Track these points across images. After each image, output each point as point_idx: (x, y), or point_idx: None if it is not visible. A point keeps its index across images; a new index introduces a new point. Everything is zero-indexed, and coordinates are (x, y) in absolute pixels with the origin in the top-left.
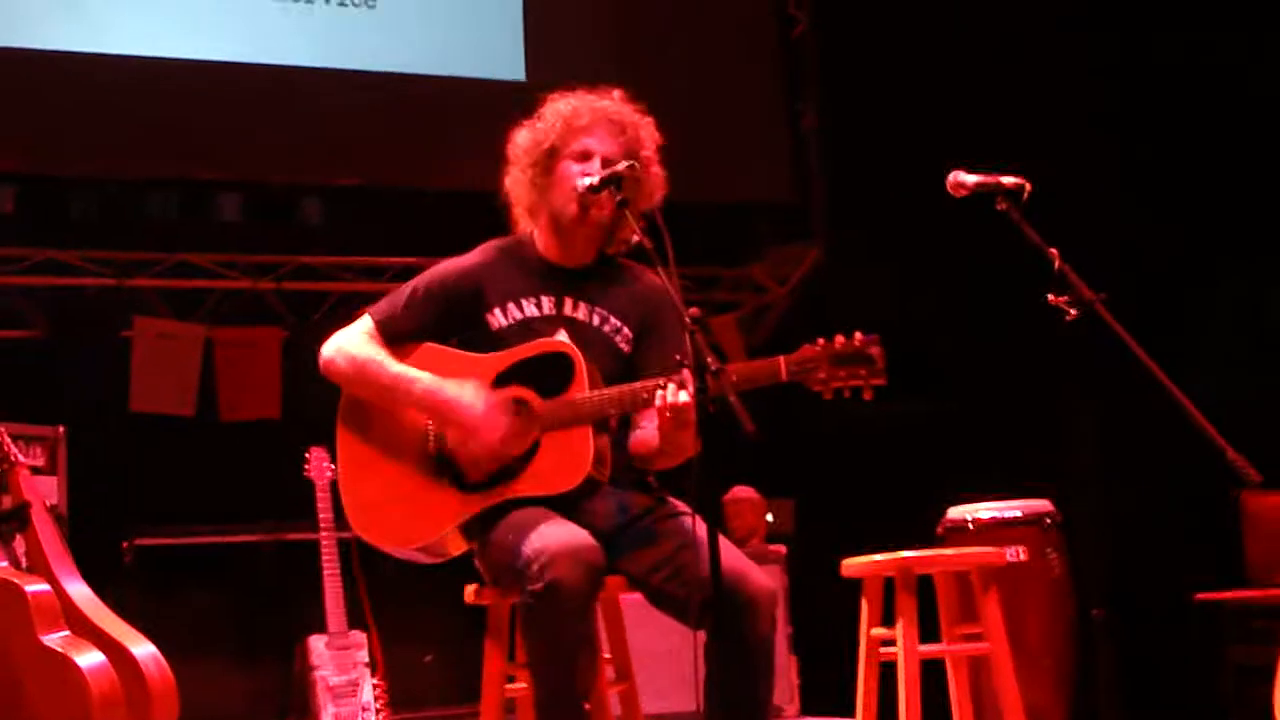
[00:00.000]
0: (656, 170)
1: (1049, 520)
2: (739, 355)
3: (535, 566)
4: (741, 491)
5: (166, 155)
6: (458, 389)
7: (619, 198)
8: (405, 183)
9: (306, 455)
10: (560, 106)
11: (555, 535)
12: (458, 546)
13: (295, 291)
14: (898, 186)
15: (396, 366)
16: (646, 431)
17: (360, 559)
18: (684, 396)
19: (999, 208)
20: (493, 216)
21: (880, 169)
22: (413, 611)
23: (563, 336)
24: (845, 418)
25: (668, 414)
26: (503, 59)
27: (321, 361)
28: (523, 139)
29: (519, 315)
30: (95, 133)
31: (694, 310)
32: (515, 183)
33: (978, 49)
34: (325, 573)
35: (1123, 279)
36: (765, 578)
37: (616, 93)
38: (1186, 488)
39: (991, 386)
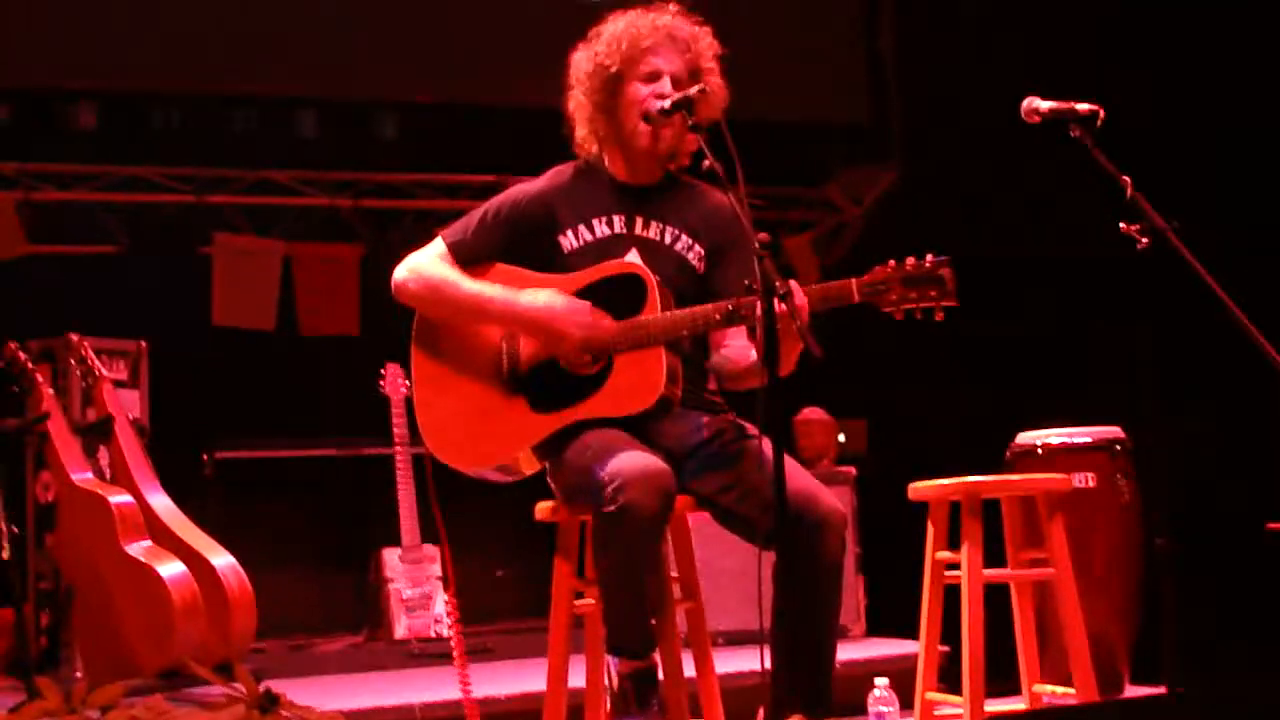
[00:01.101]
0: (718, 81)
1: (1119, 447)
2: (813, 276)
3: (609, 489)
4: (812, 413)
5: (246, 72)
6: (533, 296)
7: (691, 121)
8: (482, 99)
9: (382, 372)
10: (619, 26)
11: (629, 459)
12: (531, 466)
13: (373, 208)
14: (974, 109)
15: (471, 284)
16: (736, 349)
17: (433, 474)
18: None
19: (1073, 134)
20: (570, 133)
21: (957, 91)
22: (485, 527)
23: (634, 257)
24: (919, 340)
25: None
26: None
27: (394, 284)
28: (584, 63)
29: (590, 237)
30: (176, 49)
31: (763, 235)
32: (579, 106)
33: None
34: (399, 487)
35: (1191, 214)
36: (834, 500)
37: (672, 5)
38: (1260, 418)
39: (1065, 312)
